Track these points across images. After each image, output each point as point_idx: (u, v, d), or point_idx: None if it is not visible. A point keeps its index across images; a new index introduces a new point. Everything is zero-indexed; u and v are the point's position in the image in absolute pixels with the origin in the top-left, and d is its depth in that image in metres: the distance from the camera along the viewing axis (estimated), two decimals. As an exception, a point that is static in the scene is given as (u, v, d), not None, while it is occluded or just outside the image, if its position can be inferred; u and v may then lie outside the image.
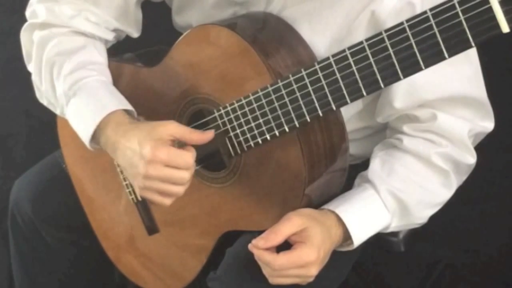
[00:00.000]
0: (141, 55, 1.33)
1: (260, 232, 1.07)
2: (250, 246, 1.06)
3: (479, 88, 1.15)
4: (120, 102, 1.17)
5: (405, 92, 1.10)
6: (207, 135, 1.09)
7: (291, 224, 1.06)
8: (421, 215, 1.17)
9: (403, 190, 1.13)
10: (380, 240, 1.26)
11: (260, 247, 1.05)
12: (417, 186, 1.14)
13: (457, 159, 1.15)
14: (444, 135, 1.14)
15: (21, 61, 1.30)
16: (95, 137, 1.15)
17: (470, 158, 1.16)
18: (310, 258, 1.04)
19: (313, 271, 1.05)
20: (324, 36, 1.12)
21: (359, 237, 1.11)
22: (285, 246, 1.07)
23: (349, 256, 1.23)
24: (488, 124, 1.17)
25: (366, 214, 1.12)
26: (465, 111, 1.14)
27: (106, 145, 1.14)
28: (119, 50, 1.34)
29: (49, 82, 1.22)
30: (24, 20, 1.28)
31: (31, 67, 1.27)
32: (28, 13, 1.27)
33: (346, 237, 1.11)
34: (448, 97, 1.12)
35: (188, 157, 1.06)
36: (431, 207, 1.17)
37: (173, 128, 1.07)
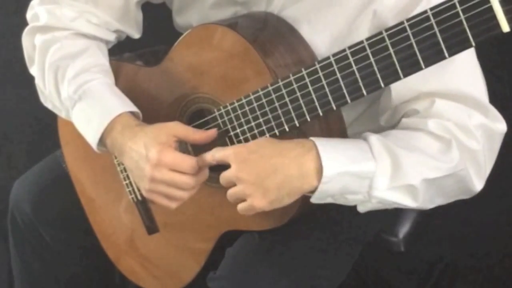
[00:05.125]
0: (141, 54, 1.34)
1: (260, 232, 1.07)
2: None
3: (478, 87, 1.08)
4: (125, 105, 1.18)
5: (399, 84, 1.06)
6: (210, 134, 1.10)
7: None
8: (417, 175, 1.00)
9: (399, 145, 1.00)
10: (380, 240, 1.26)
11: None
12: (414, 147, 1.02)
13: (458, 138, 1.03)
14: (443, 117, 1.04)
15: (21, 62, 1.31)
16: (101, 140, 1.17)
17: (474, 143, 1.04)
18: (233, 150, 1.00)
19: (239, 172, 0.98)
20: (324, 35, 1.12)
21: (329, 163, 0.96)
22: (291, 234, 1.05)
23: (349, 256, 1.24)
24: (499, 125, 1.07)
25: (346, 149, 0.99)
26: (463, 102, 1.05)
27: (113, 148, 1.15)
28: (120, 50, 1.35)
29: (53, 86, 1.22)
30: (24, 21, 1.28)
31: (33, 70, 1.28)
32: (29, 16, 1.28)
33: (319, 170, 0.97)
34: (445, 90, 1.06)
35: (194, 162, 1.07)
36: (429, 169, 1.01)
37: (177, 129, 1.09)
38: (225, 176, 1.02)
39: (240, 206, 1.01)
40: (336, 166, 0.97)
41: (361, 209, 1.04)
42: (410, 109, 1.09)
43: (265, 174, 0.98)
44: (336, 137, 1.10)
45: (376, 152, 0.98)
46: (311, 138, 0.99)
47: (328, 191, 0.99)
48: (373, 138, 1.00)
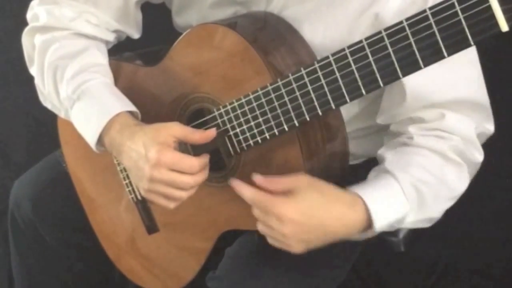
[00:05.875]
0: (141, 54, 1.34)
1: (259, 233, 1.07)
2: (235, 180, 1.05)
3: (483, 92, 1.14)
4: (124, 104, 1.18)
5: (413, 95, 1.09)
6: (209, 134, 1.10)
7: (294, 178, 1.02)
8: (437, 208, 1.12)
9: (422, 180, 1.07)
10: (380, 240, 1.25)
11: (255, 181, 1.03)
12: (434, 178, 1.09)
13: (467, 155, 1.12)
14: (453, 132, 1.12)
15: (21, 62, 1.31)
16: (100, 139, 1.17)
17: (478, 156, 1.14)
18: (286, 212, 0.99)
19: (286, 229, 0.99)
20: (324, 36, 1.12)
21: (380, 222, 1.04)
22: None
23: (348, 256, 1.24)
24: (489, 126, 1.16)
25: (387, 199, 1.06)
26: (470, 111, 1.13)
27: (111, 147, 1.15)
28: (120, 50, 1.35)
29: (52, 86, 1.23)
30: (24, 20, 1.28)
31: (33, 70, 1.28)
32: (29, 16, 1.28)
33: (365, 221, 1.04)
34: (455, 100, 1.11)
35: (193, 162, 1.07)
36: (446, 200, 1.13)
37: (176, 130, 1.09)
38: (268, 224, 1.02)
39: (275, 244, 1.04)
40: (382, 224, 1.03)
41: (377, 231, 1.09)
42: (416, 117, 1.12)
43: (314, 236, 1.02)
44: (335, 136, 1.11)
45: (407, 194, 1.06)
46: (361, 195, 1.03)
47: None
48: (404, 180, 1.06)
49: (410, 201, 1.06)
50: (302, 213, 0.99)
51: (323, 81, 0.99)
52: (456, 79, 1.09)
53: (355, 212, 1.02)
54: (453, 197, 1.13)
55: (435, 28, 0.88)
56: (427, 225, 1.13)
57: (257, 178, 1.03)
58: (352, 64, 0.96)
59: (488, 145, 1.23)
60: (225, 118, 1.11)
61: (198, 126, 1.15)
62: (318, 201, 1.01)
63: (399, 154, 1.11)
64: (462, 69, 1.07)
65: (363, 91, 0.97)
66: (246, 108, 1.07)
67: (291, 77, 1.01)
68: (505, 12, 0.82)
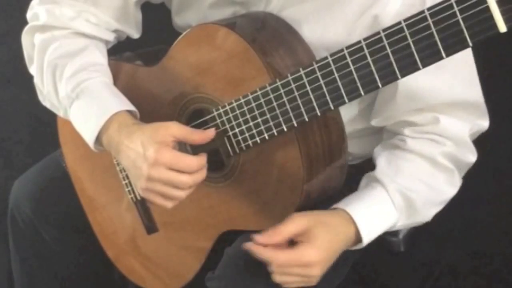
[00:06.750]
0: (140, 54, 1.34)
1: (259, 232, 1.07)
2: (248, 244, 1.06)
3: (476, 91, 1.15)
4: (123, 103, 1.18)
5: (405, 96, 1.10)
6: (208, 134, 1.10)
7: (293, 224, 1.05)
8: (427, 213, 1.16)
9: (411, 188, 1.12)
10: (380, 240, 1.25)
11: (258, 243, 1.05)
12: (423, 185, 1.13)
13: (460, 158, 1.16)
14: (447, 136, 1.14)
15: (21, 62, 1.31)
16: (98, 138, 1.17)
17: (471, 157, 1.17)
18: (311, 258, 1.03)
19: (315, 271, 1.04)
20: (322, 37, 1.12)
21: (368, 236, 1.10)
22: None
23: (348, 256, 1.23)
24: (484, 122, 1.18)
25: (375, 213, 1.10)
26: (464, 113, 1.14)
27: (110, 146, 1.15)
28: (119, 50, 1.35)
29: (51, 85, 1.23)
30: (24, 20, 1.29)
31: (32, 69, 1.28)
32: (29, 15, 1.28)
33: (356, 235, 1.10)
34: (449, 102, 1.12)
35: (191, 161, 1.07)
36: (436, 205, 1.17)
37: (175, 129, 1.09)
38: (293, 274, 1.06)
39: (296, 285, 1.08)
40: (371, 237, 1.10)
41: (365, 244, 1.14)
42: (409, 121, 1.14)
43: (332, 261, 1.07)
44: (334, 136, 1.11)
45: (396, 203, 1.11)
46: (350, 213, 1.08)
47: None
48: (393, 190, 1.11)
49: (399, 210, 1.11)
50: (323, 251, 1.05)
51: (321, 82, 0.99)
52: (451, 82, 1.09)
53: (349, 228, 1.08)
54: (442, 201, 1.17)
55: (433, 29, 0.88)
56: (416, 225, 1.19)
57: (257, 238, 1.05)
58: (351, 65, 0.96)
59: (488, 145, 1.23)
60: (224, 118, 1.11)
61: (197, 127, 1.15)
62: (327, 233, 1.06)
63: (390, 160, 1.15)
64: (457, 70, 1.08)
65: (362, 92, 0.97)
66: (245, 108, 1.07)
67: (289, 78, 1.02)
68: (503, 13, 0.82)
